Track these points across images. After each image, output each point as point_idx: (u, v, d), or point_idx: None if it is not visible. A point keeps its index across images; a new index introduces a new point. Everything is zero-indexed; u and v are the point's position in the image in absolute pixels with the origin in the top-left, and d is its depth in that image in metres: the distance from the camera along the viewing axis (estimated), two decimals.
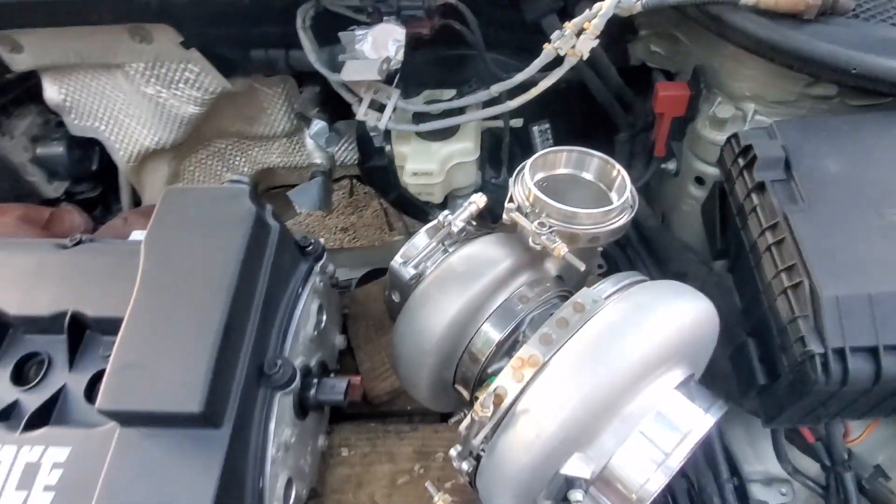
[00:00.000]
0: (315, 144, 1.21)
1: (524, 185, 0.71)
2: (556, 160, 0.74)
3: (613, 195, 0.72)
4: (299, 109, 1.18)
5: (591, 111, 1.07)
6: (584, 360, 0.53)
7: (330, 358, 0.85)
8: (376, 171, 1.24)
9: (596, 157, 0.73)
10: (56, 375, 0.69)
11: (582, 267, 0.63)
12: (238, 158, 1.46)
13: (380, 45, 0.87)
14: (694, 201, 0.92)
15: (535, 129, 1.10)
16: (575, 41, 0.77)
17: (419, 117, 0.93)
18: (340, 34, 0.90)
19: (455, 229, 0.72)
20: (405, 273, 0.71)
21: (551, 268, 0.73)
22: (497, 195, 1.06)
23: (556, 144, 1.12)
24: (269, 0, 0.94)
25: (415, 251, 0.73)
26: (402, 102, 0.90)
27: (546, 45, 0.79)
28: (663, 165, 0.97)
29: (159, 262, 0.62)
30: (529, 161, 0.73)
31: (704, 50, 0.84)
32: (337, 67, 0.98)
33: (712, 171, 0.88)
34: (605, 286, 0.61)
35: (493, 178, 1.05)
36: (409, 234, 1.54)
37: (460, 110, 0.93)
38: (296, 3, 0.93)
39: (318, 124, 1.12)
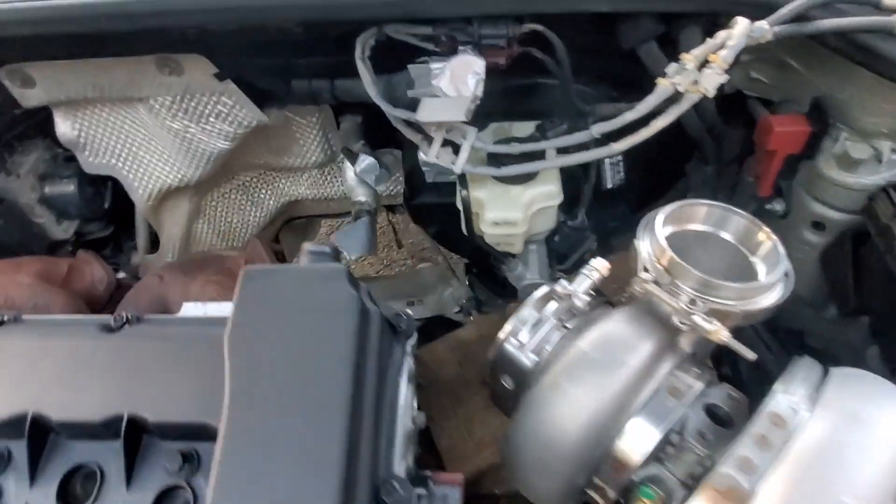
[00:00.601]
0: (359, 181, 1.10)
1: (655, 244, 0.61)
2: (692, 214, 0.64)
3: (757, 262, 0.62)
4: (343, 143, 1.06)
5: (666, 140, 0.97)
6: (802, 495, 0.43)
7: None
8: (427, 208, 1.13)
9: (742, 218, 0.63)
10: (111, 493, 0.57)
11: (752, 356, 0.53)
12: (264, 191, 1.34)
13: (458, 79, 0.76)
14: (808, 248, 0.83)
15: (607, 160, 1.00)
16: (696, 76, 0.67)
17: (496, 158, 0.82)
18: (411, 67, 0.79)
19: (580, 303, 0.61)
20: (524, 360, 0.60)
21: (686, 345, 0.62)
22: (573, 240, 0.96)
23: (627, 177, 1.02)
24: (323, 29, 0.82)
25: (525, 328, 0.62)
26: (479, 142, 0.79)
27: (661, 81, 0.69)
28: (768, 206, 0.88)
29: (251, 361, 0.50)
30: (661, 214, 0.63)
31: (829, 80, 0.75)
32: (397, 100, 0.87)
33: (836, 217, 0.79)
34: (795, 387, 0.51)
35: (569, 220, 0.94)
36: (422, 255, 1.42)
37: (541, 151, 0.82)
38: (354, 32, 0.81)
39: (367, 160, 1.01)
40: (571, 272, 1.12)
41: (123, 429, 0.56)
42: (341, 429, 0.45)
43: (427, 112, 0.74)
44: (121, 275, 1.41)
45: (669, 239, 0.63)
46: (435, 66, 0.75)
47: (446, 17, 0.74)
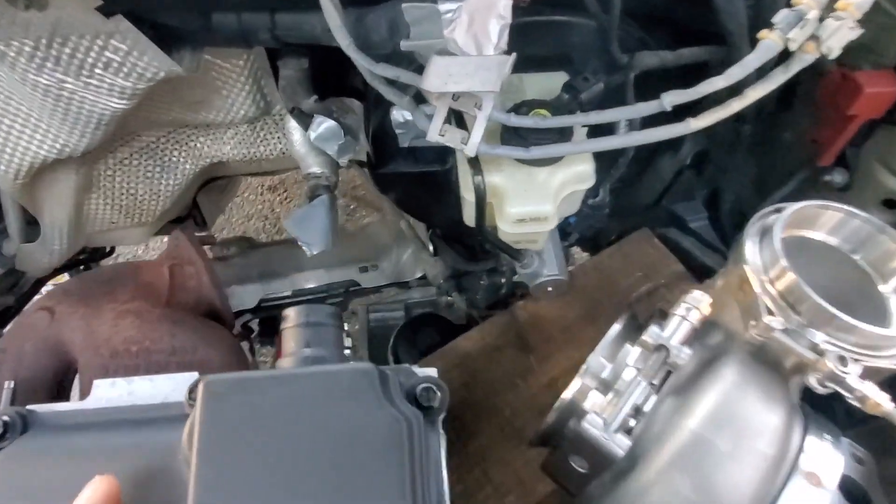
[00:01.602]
0: (312, 148, 0.85)
1: (774, 264, 0.44)
2: (815, 219, 0.48)
3: (891, 296, 0.47)
4: (286, 97, 0.80)
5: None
6: None
7: None
8: (399, 178, 0.90)
9: (886, 235, 0.47)
10: None
11: None
12: (176, 153, 1.05)
13: (478, 27, 0.53)
14: None
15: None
16: (816, 28, 0.48)
17: (517, 133, 0.61)
18: (406, 6, 0.54)
19: (681, 360, 0.44)
20: (613, 447, 0.44)
21: (796, 394, 0.48)
22: (591, 221, 0.79)
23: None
24: None
25: (602, 393, 0.45)
26: (498, 113, 0.58)
27: (766, 34, 0.50)
28: (826, 177, 0.73)
29: None
30: (780, 218, 0.46)
31: None
32: (373, 47, 0.63)
33: None
34: None
35: (590, 197, 0.76)
36: (355, 193, 1.23)
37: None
38: None
39: (325, 123, 0.77)
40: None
41: None
42: None
43: (438, 78, 0.51)
44: None
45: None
46: (446, 6, 0.51)
47: None
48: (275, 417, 0.32)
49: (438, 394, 0.45)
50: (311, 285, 1.40)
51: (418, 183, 0.91)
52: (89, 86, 0.74)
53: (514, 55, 0.51)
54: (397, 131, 0.82)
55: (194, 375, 0.49)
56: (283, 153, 1.07)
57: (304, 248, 0.80)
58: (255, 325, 1.39)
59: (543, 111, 0.62)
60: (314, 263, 1.43)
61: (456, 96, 0.58)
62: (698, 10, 0.64)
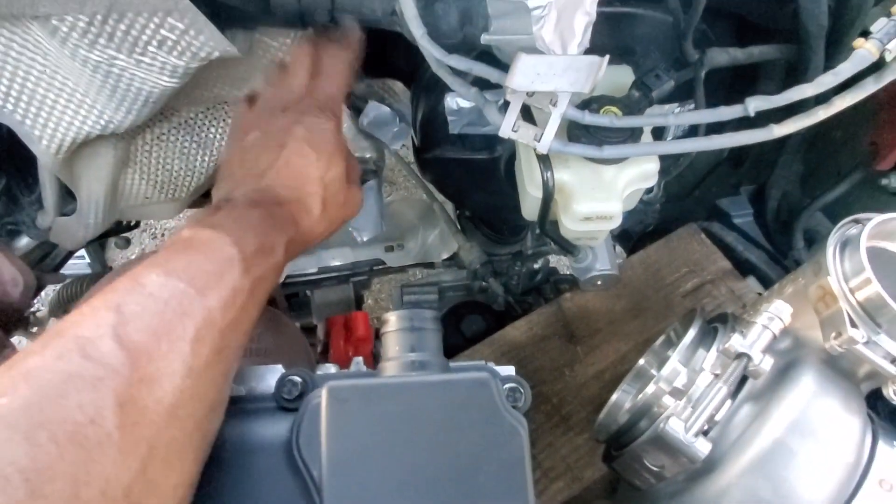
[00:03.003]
0: (359, 131, 0.84)
1: (857, 275, 0.45)
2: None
3: None
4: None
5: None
6: None
7: None
8: (445, 163, 0.90)
9: None
10: None
11: None
12: (213, 129, 1.03)
13: (564, 23, 0.52)
14: None
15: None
16: None
17: (586, 131, 0.61)
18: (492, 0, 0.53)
19: (763, 368, 0.45)
20: (697, 448, 0.45)
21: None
22: (642, 216, 0.79)
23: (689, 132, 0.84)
24: None
25: (678, 396, 0.46)
26: (573, 110, 0.58)
27: (861, 43, 0.49)
28: (883, 181, 0.73)
29: None
30: (865, 230, 0.46)
31: None
32: (442, 37, 0.62)
33: None
34: None
35: (645, 193, 0.76)
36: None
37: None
38: None
39: (378, 109, 0.76)
40: None
41: None
42: None
43: (525, 76, 0.51)
44: (24, 240, 1.09)
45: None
46: (535, 2, 0.50)
47: None
48: (401, 425, 0.32)
49: (523, 393, 0.45)
50: (337, 263, 1.41)
51: (463, 168, 0.90)
52: (141, 63, 0.72)
53: (606, 57, 0.51)
54: (450, 118, 0.81)
55: (278, 368, 0.50)
56: None
57: (354, 233, 0.80)
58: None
59: (614, 108, 0.61)
60: (340, 241, 1.43)
61: (531, 92, 0.57)
62: (775, 8, 0.63)
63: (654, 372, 0.60)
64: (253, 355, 0.59)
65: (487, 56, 0.63)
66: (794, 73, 0.78)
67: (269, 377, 0.49)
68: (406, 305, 1.13)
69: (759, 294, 0.76)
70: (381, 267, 1.44)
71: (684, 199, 1.06)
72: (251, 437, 0.43)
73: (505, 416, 0.33)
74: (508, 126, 0.58)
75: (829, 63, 0.68)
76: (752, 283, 0.79)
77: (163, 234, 2.44)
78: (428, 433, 0.32)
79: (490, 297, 1.05)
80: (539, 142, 0.58)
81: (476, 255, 1.04)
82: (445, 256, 1.40)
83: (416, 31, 0.58)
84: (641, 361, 0.61)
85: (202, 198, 1.27)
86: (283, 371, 0.48)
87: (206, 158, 1.06)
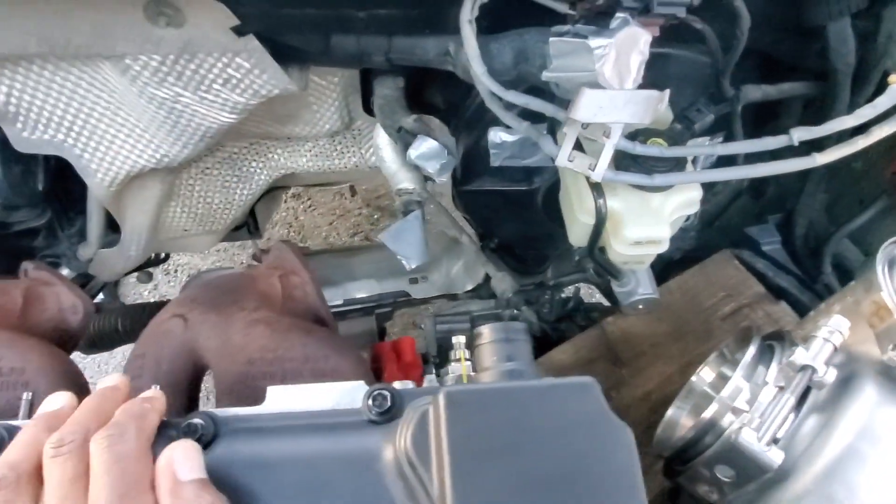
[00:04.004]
0: (404, 163, 0.88)
1: None
2: None
3: None
4: (387, 119, 0.83)
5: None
6: None
7: None
8: (484, 196, 0.94)
9: None
10: None
11: None
12: (255, 164, 1.07)
13: (622, 61, 0.56)
14: None
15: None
16: None
17: (634, 160, 0.65)
18: (554, 40, 0.58)
19: (827, 379, 0.48)
20: (769, 457, 0.47)
21: None
22: (679, 243, 0.83)
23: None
24: None
25: (735, 400, 0.49)
26: (624, 141, 0.61)
27: (895, 80, 0.54)
28: None
29: None
30: None
31: None
32: (496, 75, 0.66)
33: None
34: None
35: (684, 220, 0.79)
36: (378, 203, 1.25)
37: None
38: None
39: (426, 142, 0.79)
40: None
41: None
42: None
43: (588, 109, 0.55)
44: (64, 271, 1.11)
45: None
46: (597, 41, 0.54)
47: None
48: (514, 428, 0.34)
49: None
50: (362, 294, 1.42)
51: (501, 199, 0.94)
52: (204, 100, 0.76)
53: (666, 91, 0.55)
54: (492, 151, 0.85)
55: (361, 384, 0.52)
56: (357, 166, 1.10)
57: (403, 261, 0.82)
58: None
59: (659, 140, 0.65)
60: (366, 273, 1.45)
61: (586, 125, 0.61)
62: (803, 47, 0.68)
63: (706, 389, 0.63)
64: (319, 375, 0.61)
65: (535, 91, 0.67)
66: (811, 108, 0.83)
67: (354, 393, 0.51)
68: (439, 334, 1.15)
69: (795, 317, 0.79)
70: (404, 299, 1.46)
71: (704, 229, 1.09)
72: (345, 450, 0.45)
73: (613, 419, 0.35)
74: (565, 156, 0.62)
75: (854, 98, 0.73)
76: (784, 307, 0.83)
77: (176, 271, 2.45)
78: (540, 435, 0.34)
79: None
80: (594, 170, 0.62)
81: (508, 283, 1.06)
82: (469, 287, 1.43)
83: (478, 68, 0.62)
84: (694, 378, 0.63)
85: (233, 231, 1.30)
86: (368, 387, 0.50)
87: (246, 192, 1.10)
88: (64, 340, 0.73)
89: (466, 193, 0.93)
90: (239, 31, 0.66)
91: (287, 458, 0.44)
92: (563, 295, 1.11)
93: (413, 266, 0.82)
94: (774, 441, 0.47)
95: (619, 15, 0.57)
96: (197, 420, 0.46)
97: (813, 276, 0.86)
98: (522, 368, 0.41)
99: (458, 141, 0.91)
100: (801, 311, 0.84)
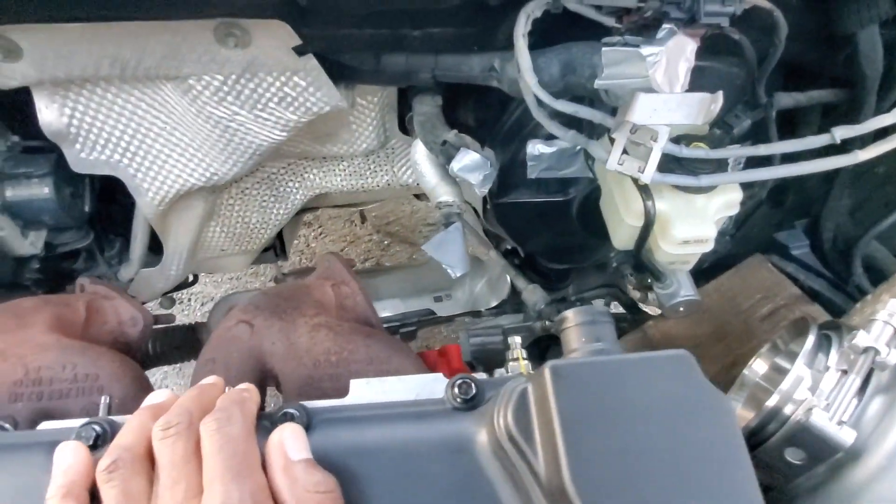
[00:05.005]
0: (443, 177, 0.91)
1: None
2: None
3: None
4: (428, 135, 0.86)
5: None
6: None
7: None
8: (520, 208, 0.97)
9: None
10: None
11: None
12: (291, 184, 1.10)
13: (671, 68, 0.60)
14: None
15: None
16: None
17: (678, 163, 0.68)
18: (606, 50, 0.61)
19: (891, 361, 0.50)
20: (841, 435, 0.49)
21: None
22: (717, 245, 0.85)
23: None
24: None
25: (798, 388, 0.51)
26: (671, 145, 0.65)
27: None
28: None
29: None
30: None
31: None
32: (544, 87, 0.69)
33: None
34: None
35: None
36: (387, 230, 1.28)
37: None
38: (519, 1, 0.62)
39: (468, 155, 0.83)
40: None
41: None
42: None
43: (644, 112, 0.58)
44: None
45: None
46: (649, 49, 0.58)
47: None
48: (622, 400, 0.36)
49: None
50: (388, 314, 1.44)
51: (536, 211, 0.97)
52: (259, 118, 0.79)
53: (720, 93, 0.58)
54: (530, 163, 0.89)
55: (440, 376, 0.54)
56: (389, 184, 1.13)
57: (448, 270, 0.85)
58: None
59: (701, 144, 0.68)
60: (390, 293, 1.47)
61: (634, 129, 0.64)
62: (832, 56, 0.72)
63: (760, 380, 0.64)
64: (383, 375, 0.62)
65: (577, 101, 0.71)
66: (830, 115, 0.87)
67: (434, 385, 0.53)
68: (473, 346, 1.17)
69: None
70: (428, 318, 1.48)
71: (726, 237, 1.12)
72: (437, 435, 0.46)
73: (713, 389, 0.37)
74: (615, 160, 0.65)
75: (879, 104, 0.77)
76: (819, 308, 0.85)
77: (189, 299, 2.46)
78: (645, 405, 0.36)
79: None
80: (643, 173, 0.65)
81: (540, 295, 1.08)
82: (494, 303, 1.45)
83: (531, 80, 0.66)
84: (746, 371, 0.65)
85: (261, 253, 1.32)
86: (449, 378, 0.52)
87: (282, 211, 1.13)
88: (124, 352, 0.75)
89: (502, 206, 0.95)
90: (300, 51, 0.70)
91: (381, 444, 0.46)
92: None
93: (458, 274, 0.84)
94: (839, 423, 0.49)
95: (666, 26, 0.61)
96: (291, 409, 0.47)
97: (843, 278, 0.88)
98: (608, 348, 0.43)
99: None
100: (834, 311, 0.86)
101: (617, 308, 1.54)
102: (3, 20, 0.62)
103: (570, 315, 0.46)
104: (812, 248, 0.92)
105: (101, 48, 0.66)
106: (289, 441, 0.42)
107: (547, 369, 0.38)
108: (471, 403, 0.48)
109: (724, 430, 0.36)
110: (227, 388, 0.49)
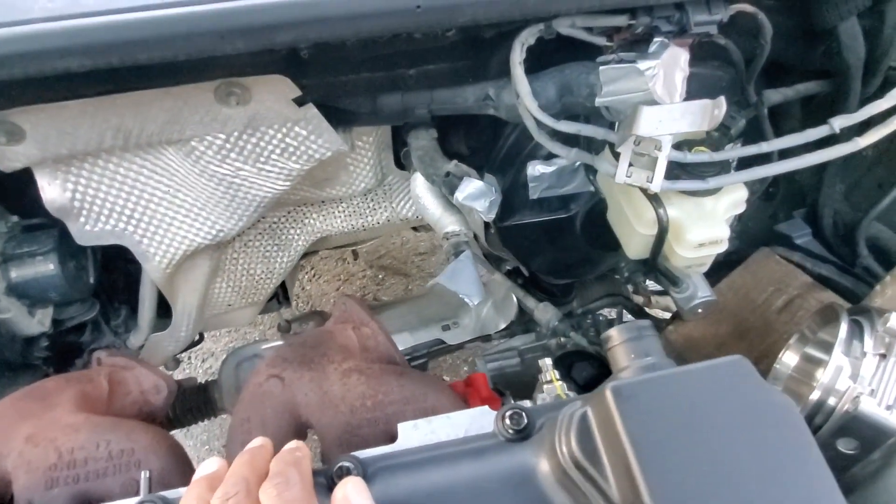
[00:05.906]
0: (447, 208, 0.92)
1: None
2: None
3: None
4: (428, 168, 0.87)
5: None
6: None
7: None
8: (523, 229, 0.97)
9: None
10: None
11: None
12: (293, 231, 1.10)
13: (668, 79, 0.62)
14: None
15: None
16: None
17: (683, 168, 0.69)
18: (603, 68, 0.63)
19: None
20: (893, 420, 0.49)
21: None
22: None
23: None
24: (478, 30, 0.64)
25: (839, 377, 0.51)
26: (675, 152, 0.66)
27: None
28: None
29: None
30: None
31: None
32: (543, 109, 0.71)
33: None
34: None
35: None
36: (380, 263, 1.28)
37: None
38: (512, 31, 0.64)
39: (472, 183, 0.84)
40: None
41: None
42: None
43: (650, 124, 0.59)
44: None
45: None
46: (646, 64, 0.60)
47: (654, 3, 0.59)
48: (689, 412, 0.36)
49: None
50: (399, 348, 1.43)
51: (540, 230, 0.98)
52: (262, 171, 0.80)
53: (723, 98, 0.60)
54: (531, 184, 0.90)
55: (486, 409, 0.53)
56: (388, 221, 1.14)
57: (465, 299, 0.85)
58: None
59: (702, 147, 0.70)
60: (396, 327, 1.47)
61: (638, 141, 0.66)
62: (810, 50, 0.74)
63: (792, 373, 0.65)
64: (421, 414, 0.62)
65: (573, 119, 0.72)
66: (809, 107, 0.90)
67: (482, 419, 0.53)
68: (491, 372, 1.16)
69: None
70: (438, 347, 1.47)
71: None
72: (497, 470, 0.46)
73: (775, 392, 0.37)
74: (622, 173, 0.66)
75: (863, 91, 0.80)
76: (832, 293, 0.86)
77: (189, 357, 2.43)
78: (713, 416, 0.36)
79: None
80: (652, 182, 0.66)
81: (552, 312, 1.09)
82: (503, 326, 1.44)
83: (531, 105, 0.67)
84: (777, 365, 0.66)
85: (268, 302, 1.31)
86: (495, 411, 0.51)
87: (285, 259, 1.12)
88: (150, 422, 0.74)
89: (508, 229, 0.96)
90: (300, 102, 0.71)
91: (442, 487, 0.46)
92: (604, 317, 1.14)
93: (476, 302, 0.85)
94: (888, 408, 0.50)
95: (657, 39, 0.63)
96: (346, 463, 0.47)
97: (850, 261, 0.90)
98: (658, 362, 0.44)
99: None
100: (847, 295, 0.87)
101: (626, 316, 1.54)
102: (5, 104, 0.62)
103: (615, 333, 0.46)
104: (814, 235, 0.94)
105: (104, 121, 0.66)
106: (352, 496, 0.41)
107: (608, 391, 0.38)
108: (523, 433, 0.48)
109: (794, 431, 0.36)
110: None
